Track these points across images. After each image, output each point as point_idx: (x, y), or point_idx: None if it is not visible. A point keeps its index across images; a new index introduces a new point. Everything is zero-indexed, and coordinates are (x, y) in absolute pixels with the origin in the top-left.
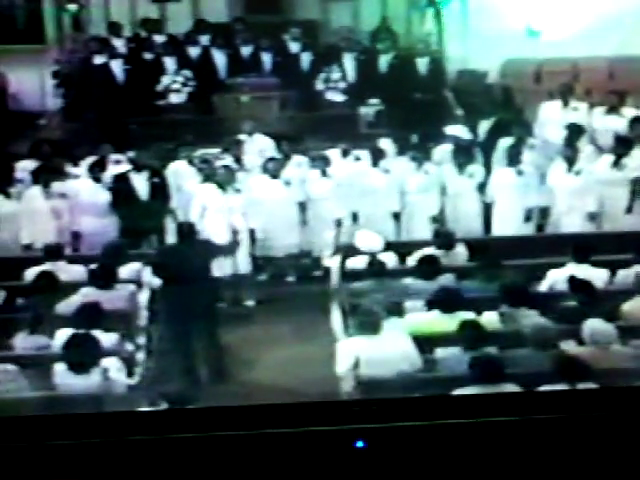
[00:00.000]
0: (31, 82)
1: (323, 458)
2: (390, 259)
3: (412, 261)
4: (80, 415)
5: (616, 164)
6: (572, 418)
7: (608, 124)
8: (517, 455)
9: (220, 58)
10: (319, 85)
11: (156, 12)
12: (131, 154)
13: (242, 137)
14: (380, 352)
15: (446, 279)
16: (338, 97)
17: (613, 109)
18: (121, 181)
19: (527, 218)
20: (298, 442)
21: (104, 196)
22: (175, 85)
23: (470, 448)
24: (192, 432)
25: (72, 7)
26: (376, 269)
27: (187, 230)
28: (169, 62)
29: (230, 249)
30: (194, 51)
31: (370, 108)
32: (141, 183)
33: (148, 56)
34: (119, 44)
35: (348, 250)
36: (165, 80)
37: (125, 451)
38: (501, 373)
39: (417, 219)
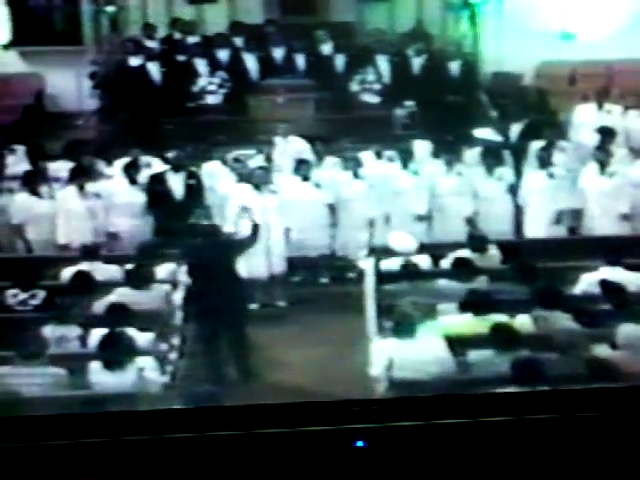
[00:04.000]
0: (68, 83)
1: (323, 458)
2: (424, 261)
3: (446, 263)
4: (90, 415)
5: None
6: (571, 418)
7: None
8: (517, 455)
9: (253, 60)
10: (354, 86)
11: (192, 13)
12: (170, 154)
13: (277, 139)
14: (414, 355)
15: (481, 282)
16: (373, 99)
17: None
18: (157, 181)
19: (557, 221)
20: (298, 442)
21: (140, 197)
22: (211, 86)
23: (470, 448)
24: (191, 432)
25: (110, 9)
26: (410, 271)
27: (210, 231)
28: (202, 64)
29: (248, 242)
30: (227, 53)
31: (404, 110)
32: (177, 184)
33: (181, 58)
34: (153, 45)
35: (382, 251)
36: (201, 81)
37: (124, 450)
38: (540, 375)
39: (450, 221)
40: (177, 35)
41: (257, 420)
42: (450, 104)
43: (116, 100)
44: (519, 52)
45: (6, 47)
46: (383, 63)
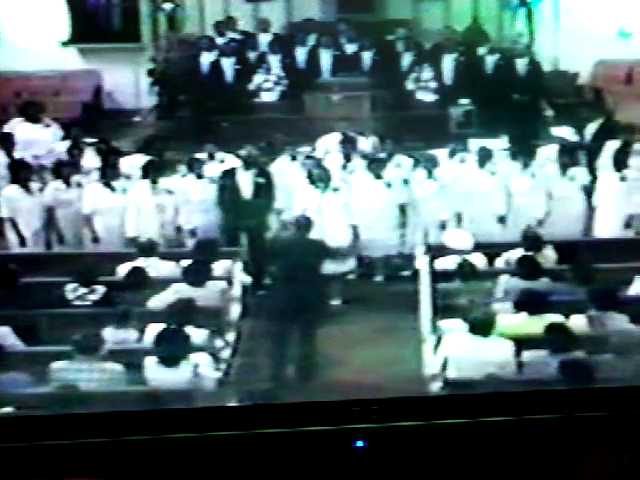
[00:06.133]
0: (126, 80)
1: (323, 458)
2: (478, 260)
3: (500, 262)
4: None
5: None
6: (572, 418)
7: None
8: (517, 455)
9: (327, 57)
10: (410, 85)
11: (250, 11)
12: (243, 151)
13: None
14: (479, 355)
15: (541, 282)
16: (428, 97)
17: None
18: (227, 177)
19: (627, 225)
20: (298, 442)
21: (211, 192)
22: (267, 84)
23: (470, 448)
24: (191, 432)
25: (167, 6)
26: (466, 270)
27: (305, 223)
28: (274, 60)
29: (342, 255)
30: (303, 50)
31: (460, 108)
32: (247, 181)
33: (252, 55)
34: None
35: (437, 249)
36: (257, 79)
37: (125, 450)
38: (591, 376)
39: (523, 221)
40: (233, 34)
41: (257, 420)
42: (518, 103)
43: (176, 96)
44: (575, 51)
45: (65, 44)
46: (449, 61)
